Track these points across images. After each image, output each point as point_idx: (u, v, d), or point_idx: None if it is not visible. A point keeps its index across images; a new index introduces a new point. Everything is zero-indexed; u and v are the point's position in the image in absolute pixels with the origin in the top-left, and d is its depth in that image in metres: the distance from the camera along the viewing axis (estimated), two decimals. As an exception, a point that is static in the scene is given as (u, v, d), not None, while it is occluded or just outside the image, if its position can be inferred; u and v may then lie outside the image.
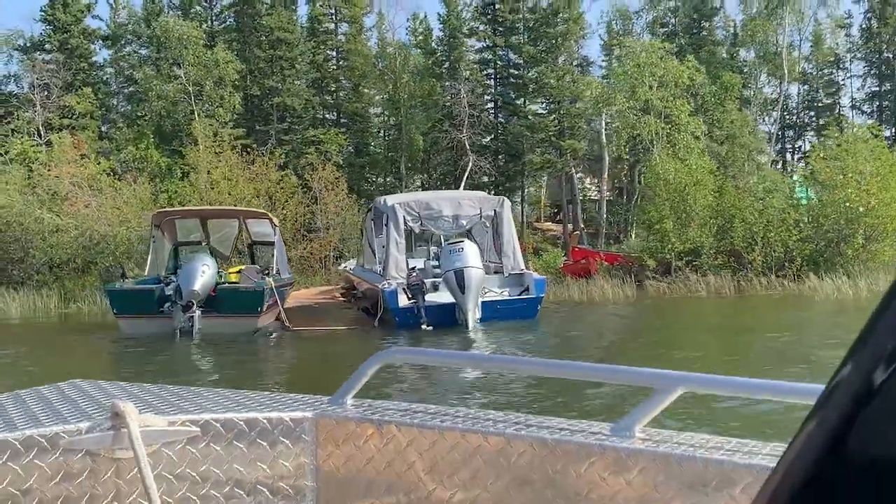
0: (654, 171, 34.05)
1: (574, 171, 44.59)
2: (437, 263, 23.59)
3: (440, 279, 20.71)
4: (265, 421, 2.73)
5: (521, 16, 46.41)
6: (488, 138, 45.93)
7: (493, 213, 21.82)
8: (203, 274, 19.18)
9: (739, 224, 33.47)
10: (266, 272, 21.90)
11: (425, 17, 58.73)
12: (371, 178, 48.22)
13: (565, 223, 46.24)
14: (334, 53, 49.29)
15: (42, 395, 3.06)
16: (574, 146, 42.72)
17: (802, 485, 0.79)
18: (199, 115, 41.37)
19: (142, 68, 45.19)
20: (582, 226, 43.88)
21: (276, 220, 23.28)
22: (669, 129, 34.64)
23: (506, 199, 22.77)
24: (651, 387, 2.35)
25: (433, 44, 50.16)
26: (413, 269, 21.06)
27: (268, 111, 46.68)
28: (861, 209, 32.76)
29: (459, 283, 19.53)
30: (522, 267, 21.84)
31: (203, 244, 23.57)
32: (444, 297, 20.33)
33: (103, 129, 47.39)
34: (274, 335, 20.29)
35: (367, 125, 49.21)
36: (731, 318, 22.04)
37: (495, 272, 21.04)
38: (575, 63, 45.96)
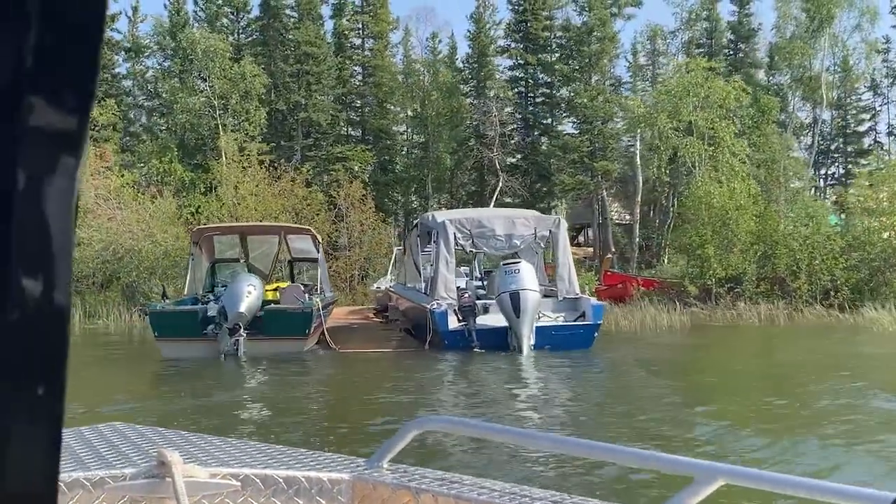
0: (696, 194, 32.96)
1: (605, 192, 43.49)
2: (480, 284, 22.44)
3: (489, 300, 19.57)
4: (304, 479, 2.76)
5: (553, 34, 45.53)
6: (517, 157, 44.91)
7: (548, 233, 20.70)
8: (249, 295, 18.08)
9: (783, 251, 32.40)
10: (310, 290, 20.82)
11: (452, 34, 57.91)
12: (395, 196, 47.23)
13: (596, 246, 45.14)
14: (360, 69, 48.43)
15: (83, 437, 3.12)
16: (607, 167, 41.67)
17: None
18: (224, 129, 40.49)
19: (167, 80, 44.32)
20: (613, 249, 42.76)
21: (319, 236, 22.21)
22: (713, 150, 33.56)
23: (562, 219, 21.62)
24: (691, 475, 2.30)
25: (459, 62, 49.38)
26: (465, 289, 19.93)
27: (293, 126, 45.81)
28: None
29: (515, 305, 18.40)
30: (577, 291, 20.69)
31: (241, 261, 22.52)
32: (495, 319, 19.21)
33: (124, 140, 46.52)
34: (313, 356, 19.21)
35: (392, 142, 48.30)
36: (811, 352, 20.66)
37: (545, 296, 19.84)
38: (608, 83, 44.89)
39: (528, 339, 18.45)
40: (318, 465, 2.89)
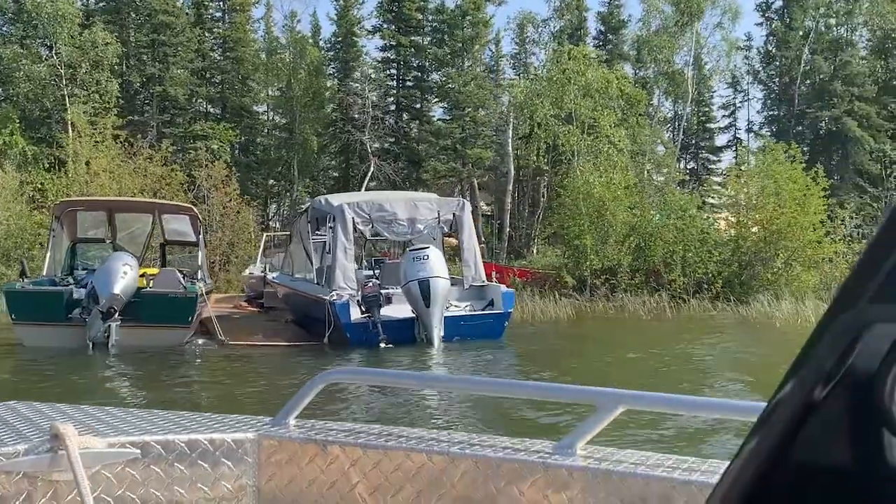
0: (575, 183, 32.40)
1: (477, 181, 42.56)
2: (371, 273, 20.94)
3: (390, 290, 18.16)
4: (206, 442, 2.70)
5: (426, 16, 44.22)
6: (389, 142, 43.42)
7: (451, 216, 19.41)
8: (125, 275, 15.98)
9: (659, 243, 32.32)
10: (193, 276, 18.85)
11: (315, 13, 55.80)
12: (257, 178, 44.90)
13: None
14: (220, 43, 45.79)
15: None
16: (480, 155, 40.76)
17: (746, 497, 0.84)
18: (72, 100, 37.35)
19: (7, 46, 40.58)
20: (483, 238, 41.91)
21: (200, 217, 20.12)
22: (592, 140, 33.07)
23: (466, 201, 20.35)
24: (593, 404, 2.35)
25: (322, 42, 47.49)
26: (368, 279, 18.43)
27: (147, 100, 42.91)
28: (777, 230, 32.18)
29: (424, 295, 17.06)
30: (484, 278, 19.52)
31: (107, 241, 20.23)
32: (399, 310, 17.83)
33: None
34: (198, 349, 17.34)
35: (254, 122, 45.91)
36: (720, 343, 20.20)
37: (451, 284, 18.58)
38: (480, 69, 43.97)
39: (438, 331, 17.18)
40: (221, 427, 2.82)
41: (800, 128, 44.70)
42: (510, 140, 40.92)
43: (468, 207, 19.83)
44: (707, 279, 31.59)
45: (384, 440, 2.65)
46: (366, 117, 40.29)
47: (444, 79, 43.71)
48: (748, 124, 50.19)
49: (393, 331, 17.39)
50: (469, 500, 2.45)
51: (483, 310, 18.46)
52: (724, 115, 50.60)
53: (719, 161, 51.80)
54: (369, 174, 39.79)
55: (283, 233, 36.31)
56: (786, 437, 0.82)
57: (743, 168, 35.88)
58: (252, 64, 45.14)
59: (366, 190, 39.83)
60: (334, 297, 17.71)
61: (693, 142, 49.44)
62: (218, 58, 45.30)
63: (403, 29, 43.67)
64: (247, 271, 28.69)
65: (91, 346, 16.20)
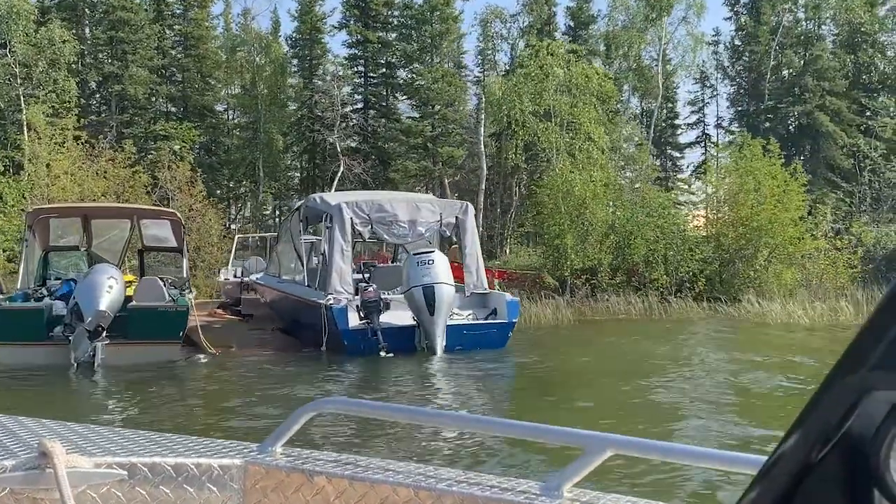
0: (555, 182, 31.65)
1: (449, 181, 41.66)
2: (360, 277, 19.90)
3: (388, 296, 17.20)
4: (193, 466, 2.69)
5: (391, 11, 43.18)
6: (357, 141, 42.31)
7: (454, 219, 18.51)
8: (110, 290, 14.75)
9: (640, 241, 31.74)
10: (178, 285, 17.73)
11: (275, 9, 54.48)
12: (220, 180, 43.54)
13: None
14: (181, 40, 44.33)
15: None
16: (452, 153, 39.88)
17: None
18: (30, 100, 35.76)
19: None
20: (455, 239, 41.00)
21: (183, 222, 18.95)
22: (571, 137, 32.35)
23: (469, 204, 19.43)
24: (581, 447, 2.38)
25: (282, 39, 46.23)
26: (368, 283, 17.44)
27: (105, 100, 41.38)
28: (757, 226, 31.81)
29: (429, 302, 16.13)
30: (486, 285, 18.65)
31: (82, 249, 18.99)
32: (397, 317, 16.91)
33: None
34: (187, 364, 16.25)
35: (217, 121, 44.54)
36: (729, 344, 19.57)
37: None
38: (448, 65, 43.07)
39: (442, 340, 16.29)
40: (208, 452, 2.83)
41: (769, 123, 44.36)
42: (482, 138, 40.14)
43: (471, 211, 18.95)
44: (689, 278, 31.18)
45: (371, 473, 2.62)
46: (335, 115, 39.15)
47: (412, 75, 42.72)
48: (717, 120, 49.88)
49: (393, 339, 16.47)
50: None
51: (486, 318, 17.61)
52: (692, 112, 50.25)
53: (682, 157, 51.55)
54: (339, 174, 38.69)
55: (257, 234, 35.09)
56: (784, 494, 0.83)
57: (717, 164, 35.56)
58: (214, 62, 43.77)
59: (335, 191, 38.84)
60: (331, 302, 16.73)
61: (661, 138, 48.97)
62: (179, 55, 43.85)
63: (370, 24, 42.62)
64: (221, 276, 27.47)
65: (75, 366, 15.05)
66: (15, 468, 2.47)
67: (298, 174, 47.36)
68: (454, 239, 19.51)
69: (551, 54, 31.57)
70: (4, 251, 31.02)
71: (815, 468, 0.83)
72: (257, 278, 22.86)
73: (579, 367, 16.48)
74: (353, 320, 16.60)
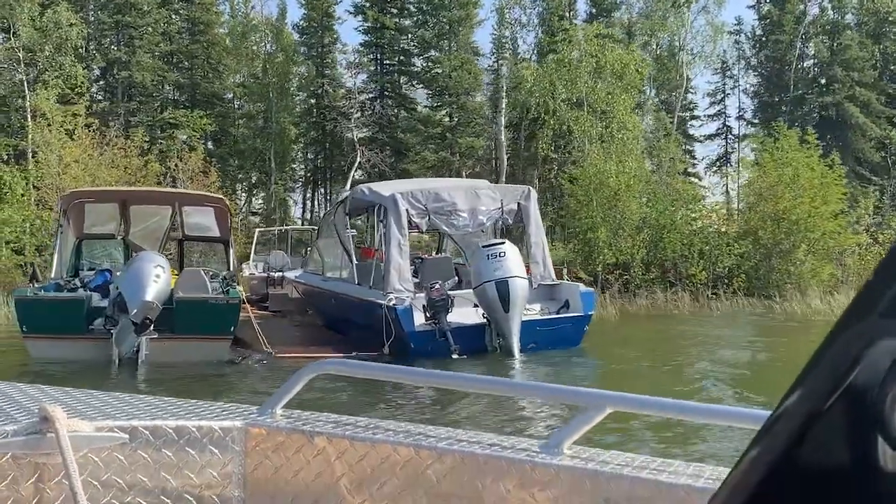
0: (588, 173, 30.32)
1: (468, 172, 40.26)
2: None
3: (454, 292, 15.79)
4: (194, 429, 2.71)
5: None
6: (374, 130, 40.80)
7: (516, 206, 17.13)
8: (157, 279, 13.30)
9: (676, 236, 30.51)
10: (224, 277, 16.29)
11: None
12: (229, 170, 41.98)
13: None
14: (188, 25, 42.71)
15: None
16: (472, 143, 38.49)
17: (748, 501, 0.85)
18: (37, 86, 34.20)
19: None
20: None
21: (230, 209, 17.44)
22: (604, 125, 31.02)
23: (532, 189, 18.03)
24: (580, 405, 2.41)
25: (289, 26, 44.66)
26: (435, 281, 16.04)
27: (110, 87, 39.80)
28: (796, 219, 30.64)
29: (503, 297, 14.74)
30: (553, 276, 17.27)
31: (118, 237, 17.51)
32: (462, 315, 15.53)
33: None
34: (243, 364, 14.84)
35: (226, 109, 42.94)
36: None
37: None
38: (467, 52, 41.61)
39: (518, 338, 14.92)
40: (209, 415, 2.82)
41: (795, 114, 43.14)
42: (502, 128, 38.81)
43: (534, 196, 17.56)
44: (727, 273, 30.05)
45: (371, 433, 2.63)
46: (350, 104, 37.71)
47: (428, 63, 41.28)
48: (739, 112, 48.59)
49: (462, 339, 15.11)
50: (454, 495, 2.46)
51: (558, 312, 16.23)
52: (711, 103, 48.98)
53: (692, 150, 50.34)
54: (356, 165, 37.27)
55: (273, 228, 33.64)
56: (789, 447, 0.84)
57: (739, 157, 34.41)
58: (223, 48, 42.22)
59: (352, 182, 37.50)
60: (393, 302, 15.33)
61: (678, 130, 47.75)
62: (186, 41, 42.25)
63: (386, 9, 41.12)
64: (246, 271, 26.06)
65: (117, 362, 13.66)
66: (16, 433, 2.47)
67: (303, 166, 45.93)
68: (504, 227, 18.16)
69: (586, 40, 30.21)
70: (8, 243, 29.56)
71: (819, 420, 0.81)
72: (296, 276, 21.42)
73: (678, 367, 15.17)
74: (419, 320, 15.24)
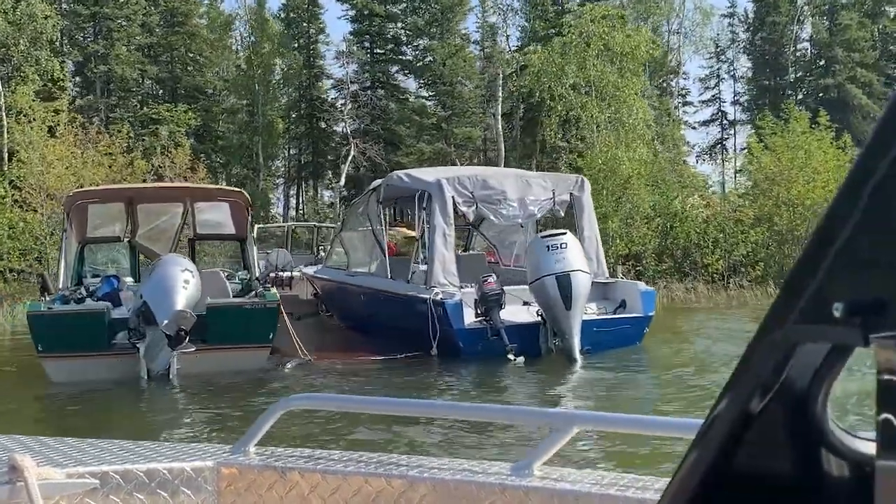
0: (597, 161, 29.08)
1: (462, 163, 38.93)
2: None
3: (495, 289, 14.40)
4: (165, 471, 2.70)
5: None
6: (366, 122, 39.30)
7: (568, 196, 15.80)
8: (187, 284, 11.85)
9: (690, 224, 29.44)
10: (247, 280, 14.84)
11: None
12: (214, 166, 40.30)
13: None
14: (168, 17, 40.96)
15: None
16: (469, 134, 37.18)
17: None
18: (10, 82, 32.49)
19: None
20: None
21: (249, 203, 15.89)
22: (614, 111, 29.76)
23: (585, 178, 16.70)
24: (548, 426, 2.48)
25: (269, 12, 43.00)
26: (488, 274, 14.67)
27: (90, 81, 38.02)
28: (812, 204, 29.68)
29: (565, 294, 13.34)
30: (607, 273, 15.98)
31: (124, 240, 15.96)
32: (514, 314, 14.18)
33: None
34: (282, 370, 13.46)
35: (209, 103, 41.21)
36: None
37: None
38: (460, 39, 40.28)
39: (578, 340, 13.59)
40: (181, 456, 2.83)
41: (796, 97, 42.23)
42: (499, 118, 37.51)
43: (588, 186, 16.24)
44: (743, 262, 29.05)
45: (343, 465, 2.66)
46: (344, 94, 36.29)
47: (418, 52, 39.90)
48: (735, 96, 47.58)
49: (516, 338, 13.74)
50: None
51: (614, 313, 14.92)
52: (706, 88, 47.96)
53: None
54: (350, 158, 35.83)
55: (271, 225, 32.14)
56: (724, 451, 0.84)
57: (735, 142, 33.28)
58: (204, 39, 40.54)
59: (346, 176, 36.11)
60: (440, 296, 13.95)
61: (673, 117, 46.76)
62: (166, 33, 40.51)
63: (377, -2, 39.64)
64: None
65: (146, 377, 12.21)
66: None
67: (285, 164, 44.39)
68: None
69: (594, 21, 28.92)
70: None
71: (753, 423, 0.82)
72: (315, 272, 19.97)
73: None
74: (468, 317, 13.88)
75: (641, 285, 15.50)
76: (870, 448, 0.82)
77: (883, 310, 0.76)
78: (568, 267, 13.51)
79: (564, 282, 13.43)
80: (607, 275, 15.97)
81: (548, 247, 13.73)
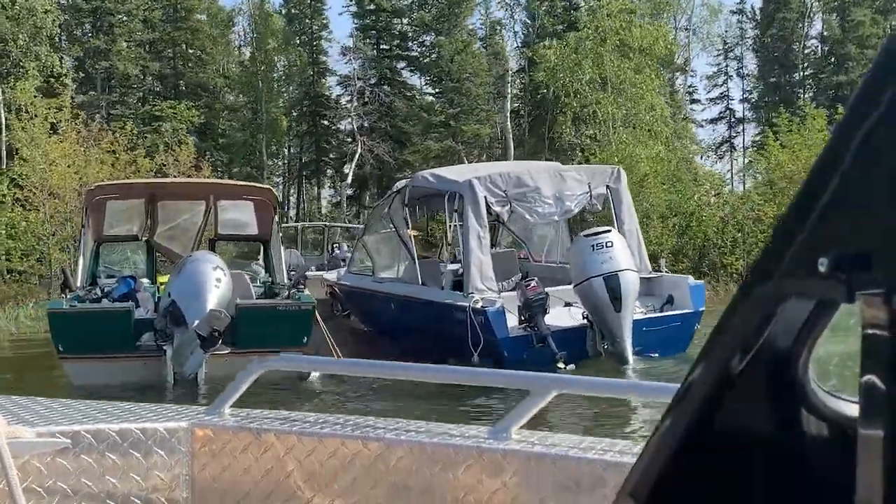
0: (615, 157, 28.43)
1: (471, 160, 38.25)
2: (457, 267, 16.30)
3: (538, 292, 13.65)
4: (138, 431, 2.67)
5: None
6: (373, 119, 38.53)
7: (605, 189, 15.04)
8: (219, 283, 11.15)
9: (708, 223, 28.80)
10: (295, 279, 14.07)
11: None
12: (217, 164, 39.52)
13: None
14: (171, 13, 40.16)
15: None
16: (477, 131, 36.47)
17: (664, 469, 0.88)
18: (9, 79, 31.72)
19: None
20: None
21: (275, 202, 15.11)
22: (630, 107, 29.12)
23: (621, 169, 15.93)
24: (527, 389, 2.43)
25: (271, 7, 42.24)
26: (524, 276, 13.95)
27: (91, 77, 37.21)
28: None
29: (614, 295, 12.59)
30: (650, 268, 15.20)
31: (141, 239, 15.18)
32: (557, 317, 13.45)
33: None
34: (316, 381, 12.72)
35: (214, 100, 40.40)
36: None
37: None
38: (468, 35, 39.59)
39: (630, 342, 12.86)
40: (154, 417, 2.79)
41: (807, 94, 41.66)
42: (508, 115, 36.84)
43: (624, 177, 15.46)
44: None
45: (319, 427, 2.62)
46: (350, 91, 35.57)
47: (425, 48, 39.18)
48: (743, 94, 46.93)
49: (562, 343, 12.99)
50: (404, 486, 2.46)
51: (661, 310, 14.16)
52: (714, 86, 47.33)
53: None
54: (357, 156, 35.10)
55: (287, 225, 31.38)
56: (701, 413, 0.84)
57: (744, 140, 32.78)
58: (207, 35, 39.76)
59: (353, 175, 35.38)
60: (480, 304, 13.20)
61: (683, 114, 46.16)
62: (168, 28, 39.71)
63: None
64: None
65: (172, 381, 11.47)
66: None
67: (285, 162, 43.62)
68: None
69: (610, 16, 28.27)
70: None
71: (734, 384, 0.82)
72: (339, 279, 19.13)
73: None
74: (510, 324, 13.14)
75: (690, 279, 14.74)
76: (851, 409, 0.80)
77: (869, 265, 0.74)
78: (615, 267, 12.79)
79: (613, 283, 12.70)
80: (650, 269, 15.16)
81: (593, 246, 12.99)
